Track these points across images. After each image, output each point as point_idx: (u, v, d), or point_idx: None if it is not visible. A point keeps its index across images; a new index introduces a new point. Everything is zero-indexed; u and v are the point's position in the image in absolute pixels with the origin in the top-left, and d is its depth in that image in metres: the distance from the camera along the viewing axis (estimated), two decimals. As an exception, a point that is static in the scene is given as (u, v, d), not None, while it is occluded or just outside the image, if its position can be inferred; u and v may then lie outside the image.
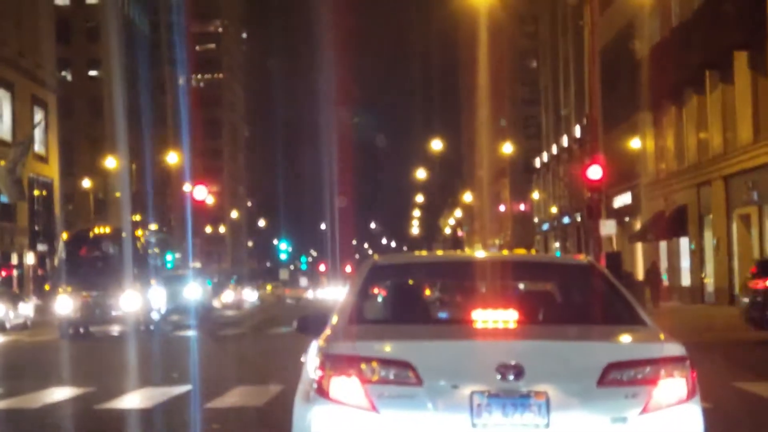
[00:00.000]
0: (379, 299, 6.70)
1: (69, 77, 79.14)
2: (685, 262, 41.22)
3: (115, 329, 28.84)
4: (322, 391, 4.90)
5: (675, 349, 5.01)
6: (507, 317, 5.48)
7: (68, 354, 21.19)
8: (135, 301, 27.01)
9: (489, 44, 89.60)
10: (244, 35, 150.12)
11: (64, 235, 30.95)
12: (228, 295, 61.77)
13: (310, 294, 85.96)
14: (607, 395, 4.79)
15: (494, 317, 5.47)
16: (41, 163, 59.18)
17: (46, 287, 37.94)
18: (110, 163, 65.40)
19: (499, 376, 4.79)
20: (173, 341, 24.21)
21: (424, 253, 9.30)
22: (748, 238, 33.82)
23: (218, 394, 12.04)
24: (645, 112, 44.28)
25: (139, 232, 30.47)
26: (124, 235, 29.42)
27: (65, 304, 26.72)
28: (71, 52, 76.73)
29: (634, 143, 47.43)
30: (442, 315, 7.85)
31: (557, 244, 72.71)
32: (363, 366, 4.85)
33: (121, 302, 26.87)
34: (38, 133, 57.56)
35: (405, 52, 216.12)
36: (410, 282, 6.39)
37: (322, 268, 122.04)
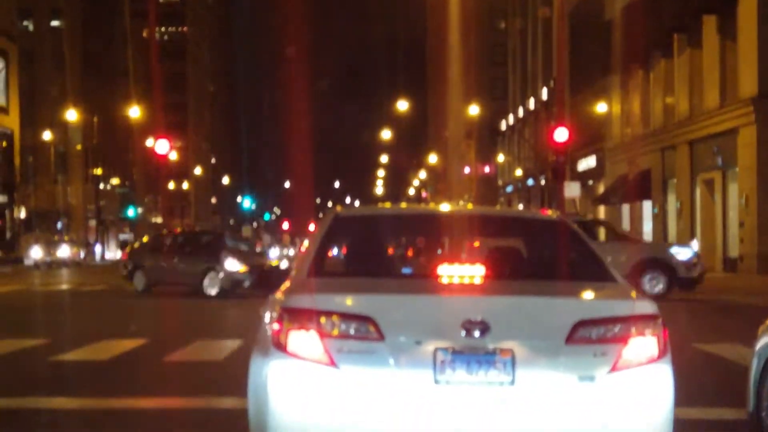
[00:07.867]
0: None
1: (30, 27, 77.70)
2: (647, 226, 41.43)
3: None
4: (279, 345, 4.72)
5: (647, 306, 4.86)
6: (473, 272, 5.30)
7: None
8: None
9: (457, 4, 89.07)
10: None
11: None
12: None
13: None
14: (575, 353, 4.63)
15: (460, 272, 5.29)
16: (1, 114, 58.17)
17: None
18: (71, 115, 64.46)
19: (464, 333, 4.62)
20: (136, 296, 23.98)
21: (388, 205, 9.06)
22: (712, 203, 34.00)
23: (178, 348, 11.86)
24: (612, 75, 44.23)
25: None
26: None
27: None
28: (33, 1, 75.26)
29: (601, 107, 47.44)
30: (406, 269, 7.65)
31: (521, 207, 72.92)
32: (322, 320, 4.68)
33: None
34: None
35: (372, 11, 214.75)
36: (374, 235, 6.17)
37: (285, 225, 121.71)
